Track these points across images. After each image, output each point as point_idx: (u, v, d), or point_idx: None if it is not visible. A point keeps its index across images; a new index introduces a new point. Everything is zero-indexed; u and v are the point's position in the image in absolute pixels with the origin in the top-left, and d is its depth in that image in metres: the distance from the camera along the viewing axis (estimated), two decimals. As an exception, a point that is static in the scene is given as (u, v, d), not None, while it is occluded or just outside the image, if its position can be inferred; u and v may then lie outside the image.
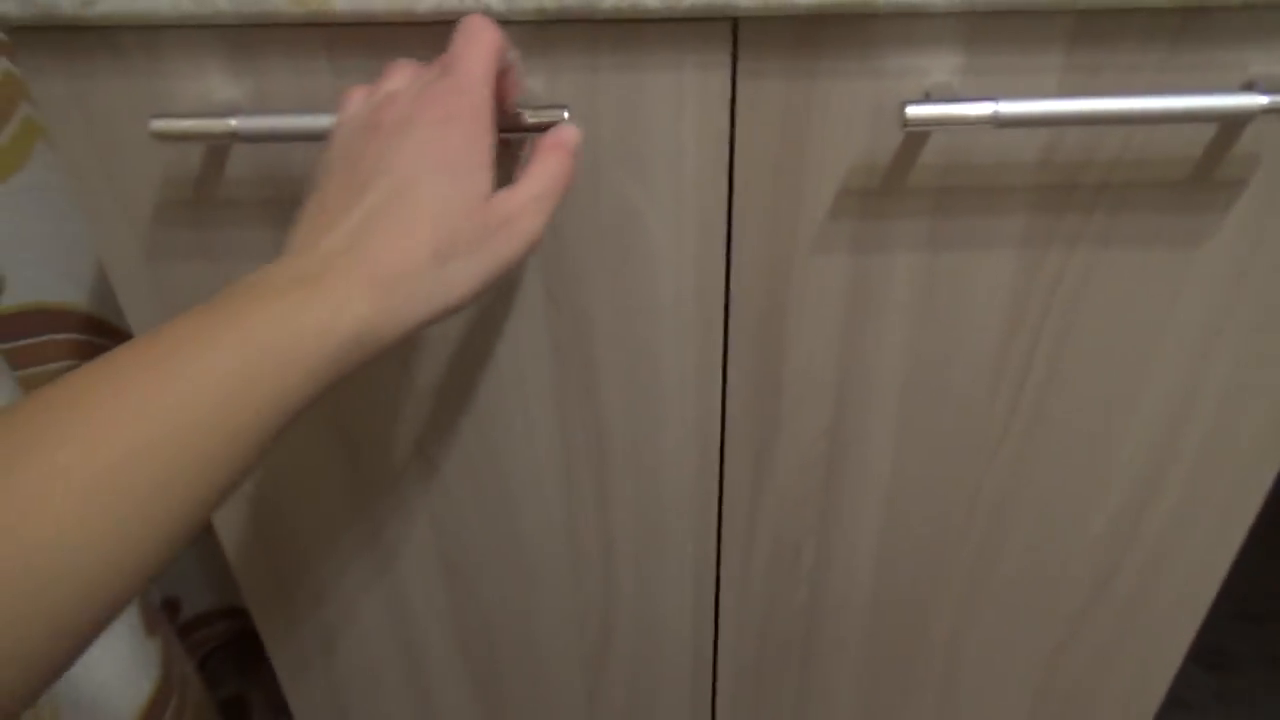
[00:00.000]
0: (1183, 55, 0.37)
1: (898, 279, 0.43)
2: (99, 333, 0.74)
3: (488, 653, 0.60)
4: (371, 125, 0.34)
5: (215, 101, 0.40)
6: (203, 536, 0.72)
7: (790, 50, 0.37)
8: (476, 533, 0.54)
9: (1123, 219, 0.41)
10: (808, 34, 0.37)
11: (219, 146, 0.41)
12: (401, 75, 0.36)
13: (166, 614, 0.91)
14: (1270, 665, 1.00)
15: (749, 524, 0.53)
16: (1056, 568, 0.54)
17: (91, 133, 0.41)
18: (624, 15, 0.36)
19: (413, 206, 0.33)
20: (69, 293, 0.72)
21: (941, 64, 0.38)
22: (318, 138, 0.38)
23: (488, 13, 0.36)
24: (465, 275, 0.33)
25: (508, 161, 0.37)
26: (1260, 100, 0.35)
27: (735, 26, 0.37)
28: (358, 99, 0.37)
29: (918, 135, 0.39)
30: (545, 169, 0.36)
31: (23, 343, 0.70)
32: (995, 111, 0.35)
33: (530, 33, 0.38)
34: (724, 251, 0.43)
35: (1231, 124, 0.38)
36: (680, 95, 0.39)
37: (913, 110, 0.36)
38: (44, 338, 0.72)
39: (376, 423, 0.50)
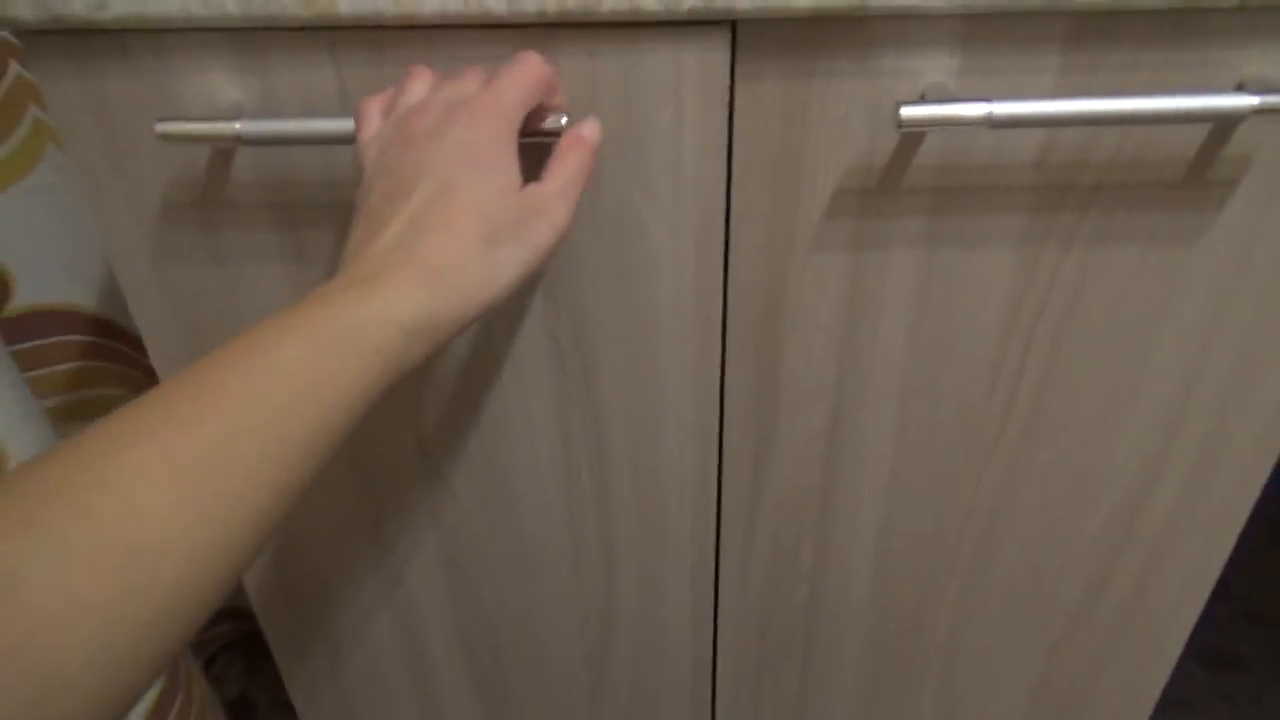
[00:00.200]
0: (1177, 56, 0.38)
1: (895, 278, 0.44)
2: (107, 334, 0.75)
3: (491, 651, 0.61)
4: (404, 138, 0.36)
5: (222, 104, 0.41)
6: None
7: (788, 52, 0.38)
8: (478, 532, 0.55)
9: (1117, 218, 0.42)
10: (805, 36, 0.38)
11: (225, 149, 0.42)
12: (422, 83, 0.38)
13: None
14: (1275, 666, 1.00)
15: (748, 522, 0.53)
16: (1053, 567, 0.55)
17: (101, 135, 0.42)
18: (623, 18, 0.36)
19: (456, 201, 0.34)
20: (77, 294, 0.73)
21: (937, 65, 0.38)
22: (320, 141, 0.39)
23: (489, 16, 0.37)
24: (511, 259, 0.35)
25: (531, 167, 0.38)
26: (1251, 100, 0.36)
27: (734, 28, 0.38)
28: (375, 114, 0.38)
29: (913, 136, 0.39)
30: (567, 163, 0.37)
31: (32, 344, 0.71)
32: (989, 112, 0.36)
33: (532, 35, 0.38)
34: (722, 251, 0.43)
35: (1224, 124, 0.39)
36: (679, 96, 0.39)
37: (907, 111, 0.36)
38: (53, 339, 0.73)
39: (379, 423, 0.51)
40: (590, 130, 0.39)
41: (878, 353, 0.46)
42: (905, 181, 0.41)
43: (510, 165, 0.36)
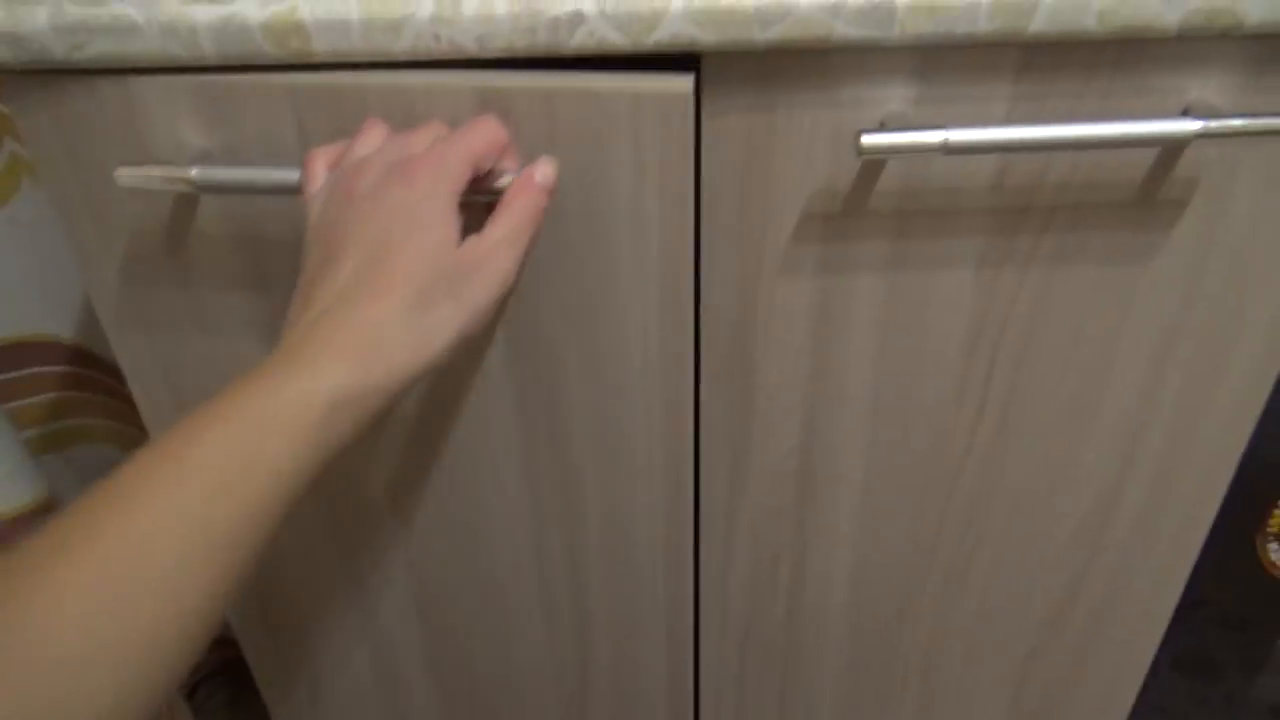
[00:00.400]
0: (1123, 83, 0.39)
1: (861, 299, 0.45)
2: (85, 364, 0.75)
3: (468, 689, 0.61)
4: (343, 197, 0.36)
5: (189, 148, 0.41)
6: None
7: (752, 84, 0.39)
8: (450, 579, 0.55)
9: (1074, 238, 0.43)
10: (768, 68, 0.39)
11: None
12: (373, 136, 0.38)
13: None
14: (1250, 671, 1.02)
15: (726, 541, 0.54)
16: (1026, 575, 0.56)
17: (76, 172, 0.42)
18: (589, 52, 0.38)
19: (384, 269, 0.34)
20: (55, 325, 0.73)
21: (896, 94, 0.40)
22: (276, 191, 0.39)
23: (460, 52, 0.38)
24: (445, 321, 0.35)
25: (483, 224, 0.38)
26: (1195, 125, 0.37)
27: (698, 61, 0.39)
28: (322, 169, 0.38)
29: (874, 162, 0.41)
30: (513, 210, 0.37)
31: (10, 375, 0.71)
32: (945, 140, 0.37)
33: (489, 94, 0.39)
34: (693, 275, 0.44)
35: (1171, 148, 0.40)
36: (642, 131, 0.40)
37: (868, 139, 0.37)
38: (31, 370, 0.73)
39: (351, 471, 0.51)
40: (543, 173, 0.38)
41: (847, 370, 0.47)
42: (868, 206, 0.42)
43: (446, 222, 0.35)
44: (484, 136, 0.37)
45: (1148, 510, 0.53)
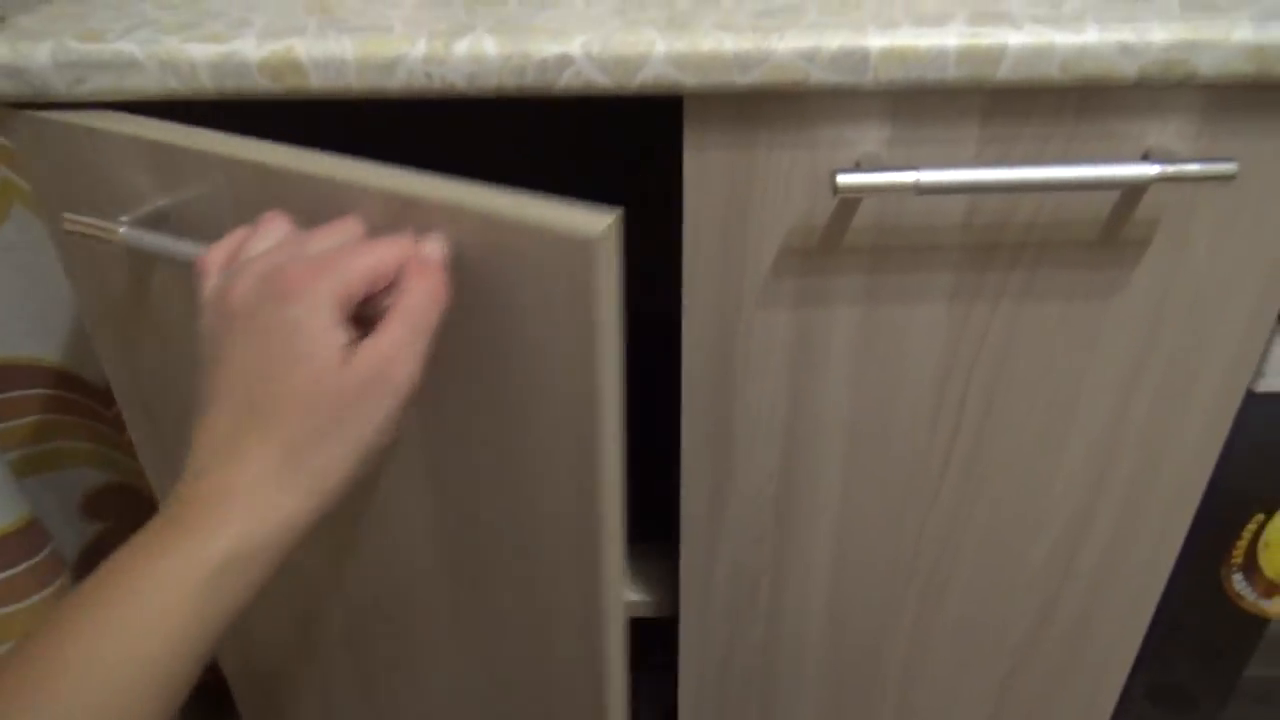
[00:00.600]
0: (1086, 128, 0.41)
1: (838, 331, 0.46)
2: (70, 388, 0.75)
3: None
4: (222, 312, 0.33)
5: (145, 200, 0.41)
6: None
7: (733, 124, 0.41)
8: (406, 678, 0.55)
9: (1041, 274, 0.45)
10: (748, 110, 0.40)
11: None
12: (271, 232, 0.35)
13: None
14: (1224, 702, 1.03)
15: (707, 565, 0.55)
16: (1001, 599, 0.57)
17: (66, 203, 0.43)
18: (576, 93, 0.39)
19: (260, 415, 0.32)
20: (40, 348, 0.73)
21: (870, 136, 0.41)
22: (186, 265, 0.37)
23: (450, 91, 0.39)
24: (333, 464, 0.32)
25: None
26: (1153, 170, 0.39)
27: (681, 103, 0.40)
28: (214, 271, 0.35)
29: (850, 200, 0.42)
30: (408, 307, 0.33)
31: (-4, 398, 0.71)
32: (917, 180, 0.39)
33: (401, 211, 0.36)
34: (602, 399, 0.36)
35: (1131, 190, 0.42)
36: (548, 269, 0.34)
37: (843, 179, 0.39)
38: (15, 393, 0.73)
39: (303, 602, 0.52)
40: (433, 250, 0.34)
41: (825, 399, 0.49)
42: (844, 242, 0.44)
43: (327, 345, 0.31)
44: (390, 250, 0.33)
45: (1117, 536, 0.54)
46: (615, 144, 0.71)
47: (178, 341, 0.46)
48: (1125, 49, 0.38)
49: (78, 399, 0.77)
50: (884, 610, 0.58)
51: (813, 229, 0.43)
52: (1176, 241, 0.44)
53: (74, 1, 0.44)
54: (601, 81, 0.39)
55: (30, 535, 0.67)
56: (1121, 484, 0.52)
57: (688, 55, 0.38)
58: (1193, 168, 0.39)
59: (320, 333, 0.31)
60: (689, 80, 0.39)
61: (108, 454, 0.80)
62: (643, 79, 0.39)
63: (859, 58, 0.38)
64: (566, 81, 0.39)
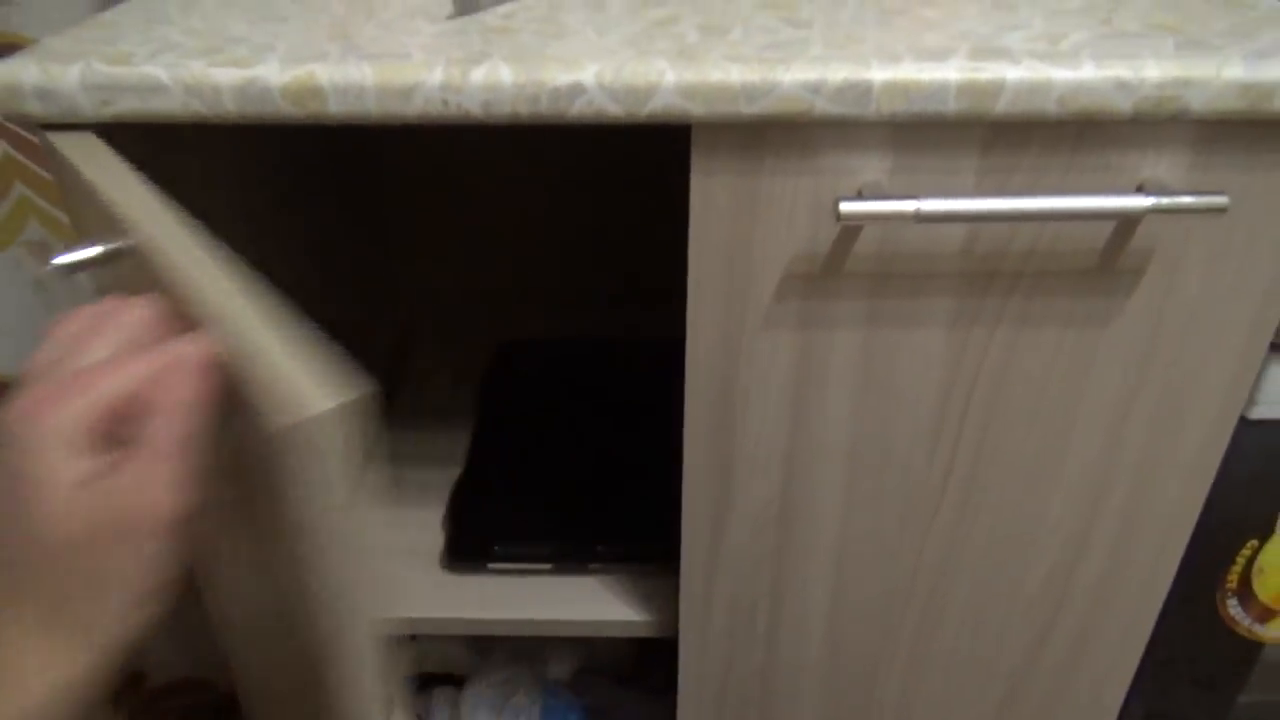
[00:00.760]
0: (1082, 160, 0.42)
1: (839, 355, 0.47)
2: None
3: None
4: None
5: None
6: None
7: (738, 152, 0.42)
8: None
9: (1038, 302, 0.46)
10: (754, 138, 0.42)
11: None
12: (54, 343, 0.30)
13: (131, 687, 0.90)
14: (1220, 727, 1.03)
15: (706, 591, 0.56)
16: (998, 623, 0.58)
17: (82, 226, 0.44)
18: (588, 120, 0.40)
19: (9, 567, 0.27)
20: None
21: (873, 165, 0.42)
22: None
23: (467, 117, 0.40)
24: (101, 609, 0.28)
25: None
26: (1147, 201, 0.40)
27: (689, 131, 0.42)
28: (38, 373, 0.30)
29: (852, 227, 0.43)
30: (156, 427, 0.28)
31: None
32: (918, 209, 0.40)
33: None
34: None
35: (1126, 221, 0.43)
36: None
37: (846, 206, 0.40)
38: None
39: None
40: (191, 352, 0.29)
41: (825, 423, 0.50)
42: (846, 268, 0.45)
43: (59, 483, 0.26)
44: (140, 365, 0.28)
45: (1113, 561, 0.55)
46: (629, 167, 0.73)
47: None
48: (1120, 85, 0.39)
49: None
50: (881, 634, 0.58)
51: (815, 255, 0.44)
52: (1170, 271, 0.45)
53: (102, 25, 0.46)
54: (613, 110, 0.40)
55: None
56: (1116, 509, 0.53)
57: (696, 85, 0.39)
58: (1185, 200, 0.40)
59: (50, 472, 0.27)
60: (697, 109, 0.40)
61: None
62: (652, 108, 0.40)
63: (862, 90, 0.39)
64: (579, 109, 0.40)
